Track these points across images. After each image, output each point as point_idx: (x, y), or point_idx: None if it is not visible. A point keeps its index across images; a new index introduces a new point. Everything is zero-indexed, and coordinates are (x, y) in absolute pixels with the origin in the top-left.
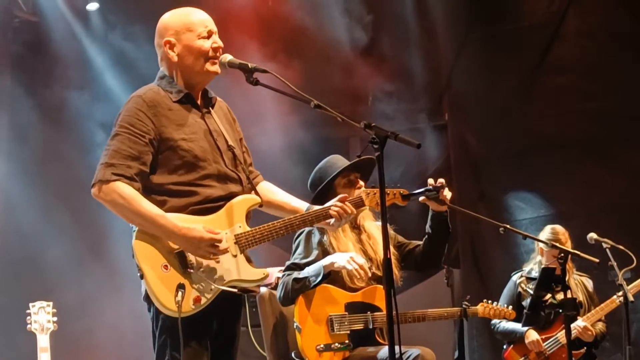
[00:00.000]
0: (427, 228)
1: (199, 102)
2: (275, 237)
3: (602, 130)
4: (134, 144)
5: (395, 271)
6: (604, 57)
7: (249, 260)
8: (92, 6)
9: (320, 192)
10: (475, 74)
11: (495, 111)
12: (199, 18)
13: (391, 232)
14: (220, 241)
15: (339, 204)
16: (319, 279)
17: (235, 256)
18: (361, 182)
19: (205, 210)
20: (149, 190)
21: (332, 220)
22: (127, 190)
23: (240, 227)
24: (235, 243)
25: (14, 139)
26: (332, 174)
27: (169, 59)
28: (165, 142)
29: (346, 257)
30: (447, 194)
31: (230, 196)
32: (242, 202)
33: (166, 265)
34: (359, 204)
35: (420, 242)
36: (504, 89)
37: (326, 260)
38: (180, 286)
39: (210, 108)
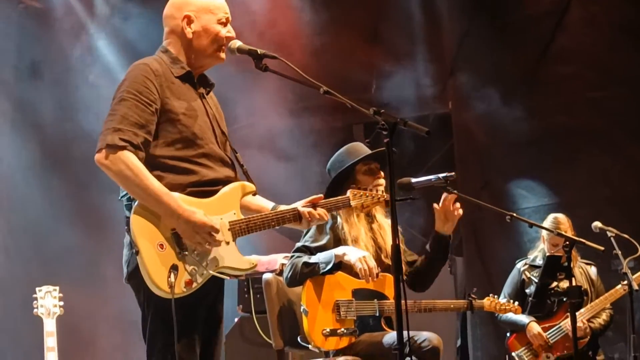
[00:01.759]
0: (427, 247)
1: (196, 83)
2: (267, 227)
3: (606, 120)
4: (141, 111)
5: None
6: (609, 47)
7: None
8: None
9: (340, 175)
10: (479, 63)
11: (499, 100)
12: (221, 2)
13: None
14: (217, 232)
15: (314, 211)
16: (329, 266)
17: (228, 243)
18: (381, 173)
19: (202, 193)
20: (145, 162)
21: (305, 222)
22: (135, 162)
23: (234, 214)
24: (229, 230)
25: (18, 127)
26: (354, 159)
27: (182, 34)
28: (166, 113)
29: (359, 254)
30: (458, 210)
31: (226, 180)
32: (238, 189)
33: (162, 244)
34: (345, 203)
35: (419, 258)
36: (508, 78)
37: (339, 250)
38: (174, 267)
39: (206, 93)
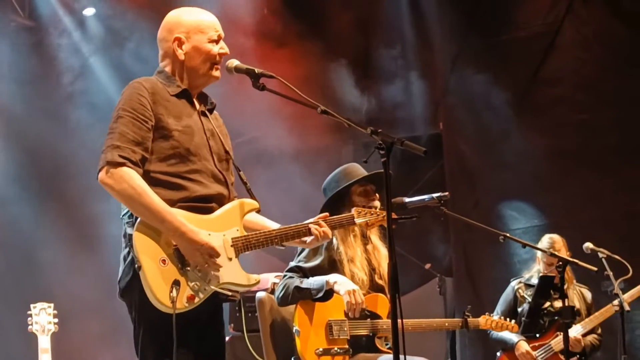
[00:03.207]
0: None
1: (195, 101)
2: (270, 244)
3: (597, 142)
4: (137, 129)
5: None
6: (600, 69)
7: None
8: (89, 11)
9: (335, 196)
10: (471, 84)
11: (490, 121)
12: (211, 21)
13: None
14: (218, 255)
15: (320, 228)
16: (321, 294)
17: (230, 259)
18: (377, 195)
19: (194, 208)
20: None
21: (308, 239)
22: (137, 181)
23: (237, 230)
24: (231, 246)
25: (9, 144)
26: (350, 180)
27: (174, 56)
28: (160, 130)
29: (349, 287)
30: None
31: (218, 196)
32: (241, 206)
33: (164, 260)
34: (350, 221)
35: None
36: (499, 99)
37: (331, 278)
38: (176, 282)
39: (208, 112)
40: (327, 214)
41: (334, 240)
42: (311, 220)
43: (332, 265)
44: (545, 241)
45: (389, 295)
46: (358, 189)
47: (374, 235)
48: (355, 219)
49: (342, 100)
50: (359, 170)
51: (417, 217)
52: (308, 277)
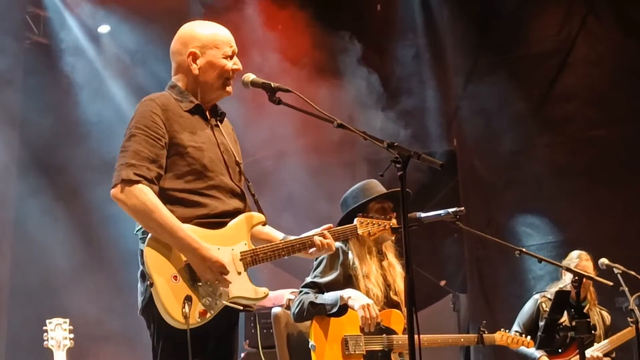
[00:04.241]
0: None
1: (207, 115)
2: (277, 257)
3: (610, 158)
4: (151, 146)
5: (404, 308)
6: (613, 85)
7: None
8: (104, 29)
9: (353, 211)
10: (484, 101)
11: (504, 138)
12: (226, 36)
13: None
14: (228, 272)
15: (324, 240)
16: (335, 309)
17: (239, 273)
18: (394, 213)
19: (210, 224)
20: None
21: (312, 250)
22: (150, 197)
23: (245, 244)
24: (240, 260)
25: (25, 159)
26: (369, 196)
27: (188, 70)
28: (175, 147)
29: (364, 301)
30: None
31: (235, 212)
32: (248, 220)
33: (176, 276)
34: (353, 231)
35: None
36: (513, 116)
37: (345, 293)
38: (188, 298)
39: (219, 123)
40: (330, 225)
41: (350, 256)
42: (316, 231)
43: (348, 280)
44: (573, 257)
45: (404, 311)
46: (375, 206)
47: (390, 253)
48: (358, 230)
49: (356, 117)
50: (378, 187)
51: (417, 225)
52: (323, 293)
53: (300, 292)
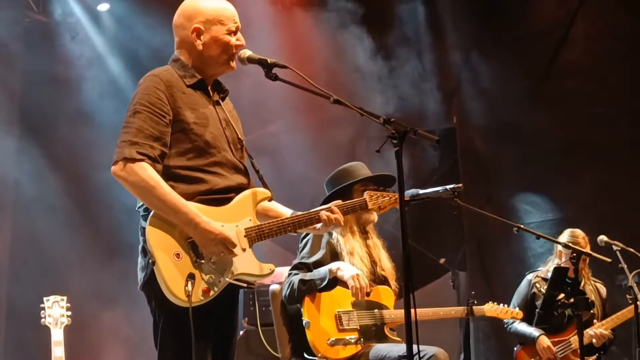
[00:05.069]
0: None
1: (210, 90)
2: (283, 233)
3: (610, 135)
4: (155, 124)
5: (392, 283)
6: (613, 62)
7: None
8: (103, 7)
9: (336, 192)
10: (484, 78)
11: (503, 115)
12: (230, 12)
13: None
14: (234, 245)
15: (332, 214)
16: (325, 282)
17: (244, 250)
18: None
19: (214, 200)
20: (161, 173)
21: (318, 225)
22: (151, 174)
23: (250, 220)
24: (245, 236)
25: (24, 138)
26: (353, 179)
27: (192, 45)
28: (179, 123)
29: (353, 272)
30: None
31: (239, 187)
32: (251, 195)
33: (178, 254)
34: (362, 205)
35: None
36: (512, 93)
37: (333, 265)
38: (191, 276)
39: (221, 100)
40: (340, 200)
41: (334, 234)
42: (325, 206)
43: (335, 258)
44: (567, 235)
45: (393, 286)
46: (360, 189)
47: (373, 234)
48: (367, 203)
49: (356, 93)
50: (363, 170)
51: (429, 199)
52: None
53: (290, 274)
